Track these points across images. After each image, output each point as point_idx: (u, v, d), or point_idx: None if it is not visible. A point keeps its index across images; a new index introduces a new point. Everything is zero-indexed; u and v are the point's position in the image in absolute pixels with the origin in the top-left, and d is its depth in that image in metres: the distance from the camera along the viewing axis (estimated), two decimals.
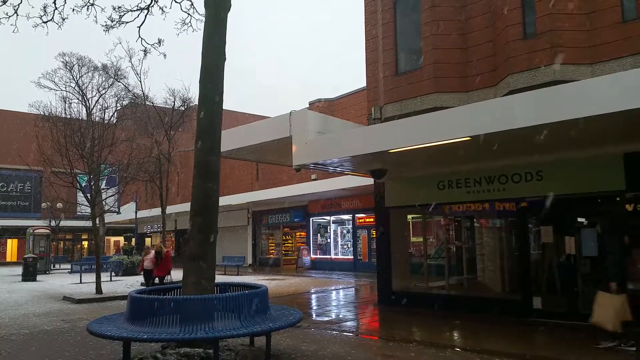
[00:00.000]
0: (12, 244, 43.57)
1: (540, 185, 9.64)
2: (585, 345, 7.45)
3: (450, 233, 12.49)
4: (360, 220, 24.63)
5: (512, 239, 10.64)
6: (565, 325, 8.96)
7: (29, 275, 22.99)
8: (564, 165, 9.37)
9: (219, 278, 8.44)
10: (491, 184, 10.34)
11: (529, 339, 8.50)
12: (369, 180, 13.07)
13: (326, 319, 10.98)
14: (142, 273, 15.66)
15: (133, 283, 19.46)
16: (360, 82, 27.07)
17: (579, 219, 9.92)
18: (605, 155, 8.85)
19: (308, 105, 26.04)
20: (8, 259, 42.34)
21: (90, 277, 18.82)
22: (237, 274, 23.59)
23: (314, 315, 11.41)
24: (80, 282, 20.24)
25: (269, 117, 14.93)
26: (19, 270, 24.92)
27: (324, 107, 24.90)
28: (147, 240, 39.22)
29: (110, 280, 21.06)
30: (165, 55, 13.48)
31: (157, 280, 14.47)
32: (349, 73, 78.90)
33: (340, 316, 11.33)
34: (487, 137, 8.05)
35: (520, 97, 7.86)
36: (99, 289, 15.91)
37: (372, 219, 22.35)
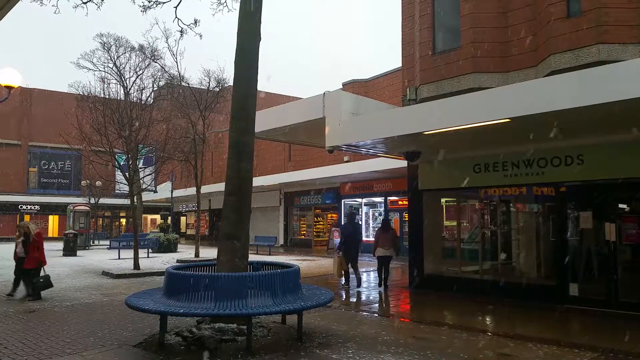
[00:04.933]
0: (53, 220, 45.39)
1: (581, 170, 9.33)
2: None
3: (485, 217, 12.28)
4: (392, 203, 24.48)
5: (550, 224, 10.36)
6: (602, 313, 8.74)
7: (69, 250, 23.92)
8: (606, 149, 9.01)
9: (252, 257, 8.55)
10: (529, 167, 10.07)
11: (564, 325, 8.33)
12: (402, 163, 12.92)
13: (356, 299, 11.03)
14: (18, 261, 10.99)
15: (169, 260, 20.00)
16: (395, 63, 26.76)
17: (620, 205, 9.59)
18: None
19: (342, 86, 25.85)
20: (50, 235, 44.04)
21: (128, 253, 19.46)
22: (269, 254, 23.94)
23: (344, 296, 11.48)
24: (119, 258, 20.93)
25: (302, 98, 14.88)
26: (59, 245, 25.91)
27: (358, 88, 24.65)
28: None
29: (147, 256, 21.70)
30: (201, 36, 13.57)
31: (42, 274, 10.71)
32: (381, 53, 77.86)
33: (371, 298, 11.35)
34: (527, 119, 7.81)
35: (564, 78, 7.57)
36: (136, 265, 16.39)
37: (403, 202, 22.25)
